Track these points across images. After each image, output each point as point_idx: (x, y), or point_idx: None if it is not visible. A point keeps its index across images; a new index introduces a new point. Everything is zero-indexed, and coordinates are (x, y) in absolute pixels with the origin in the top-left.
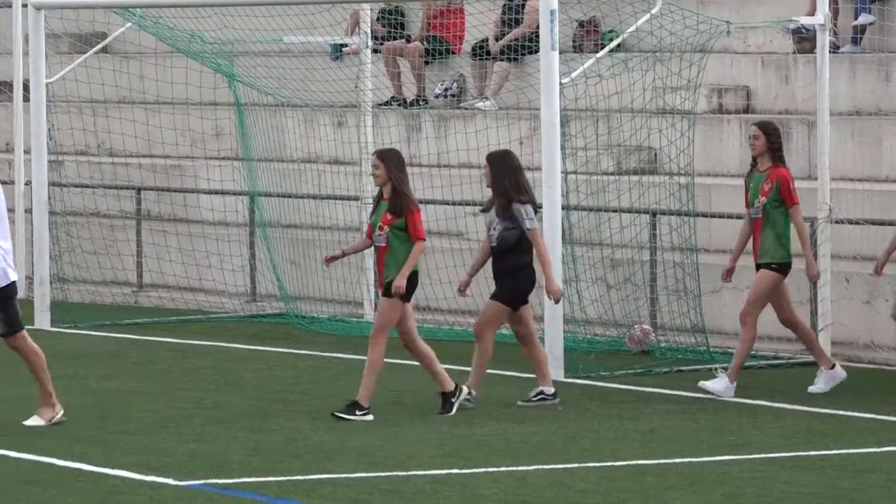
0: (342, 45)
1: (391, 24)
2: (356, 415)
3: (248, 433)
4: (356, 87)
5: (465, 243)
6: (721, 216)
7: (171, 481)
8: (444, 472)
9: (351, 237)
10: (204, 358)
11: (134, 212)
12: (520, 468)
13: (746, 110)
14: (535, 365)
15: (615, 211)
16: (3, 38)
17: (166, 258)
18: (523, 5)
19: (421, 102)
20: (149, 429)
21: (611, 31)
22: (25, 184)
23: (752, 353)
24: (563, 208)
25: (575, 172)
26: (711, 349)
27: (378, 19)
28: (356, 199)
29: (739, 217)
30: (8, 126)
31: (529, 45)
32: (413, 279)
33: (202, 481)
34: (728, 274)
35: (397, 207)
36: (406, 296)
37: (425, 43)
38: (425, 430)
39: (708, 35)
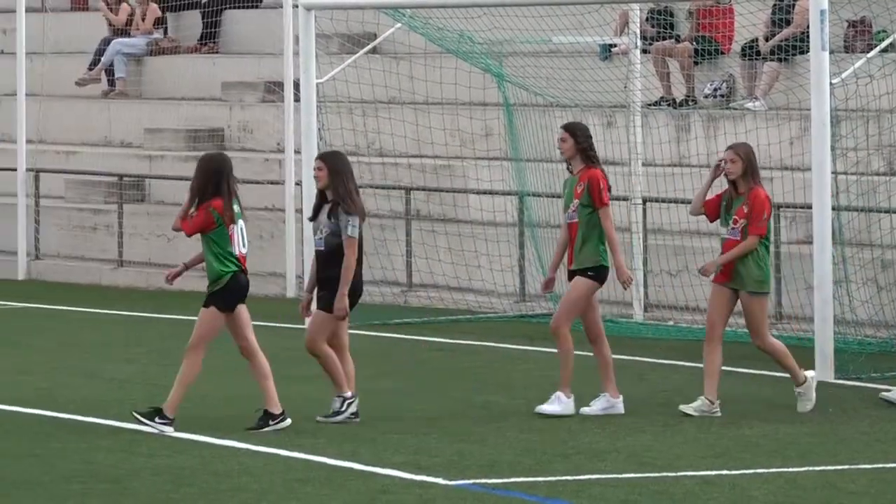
0: (611, 46)
1: (660, 25)
2: (155, 421)
3: (518, 433)
4: (625, 87)
5: None
6: None
7: (440, 481)
8: (714, 473)
9: (620, 237)
10: (473, 358)
11: (403, 212)
12: (789, 469)
13: None
14: (336, 374)
15: (886, 212)
16: (274, 39)
17: (435, 258)
18: (793, 5)
19: (690, 103)
20: (418, 428)
21: (882, 32)
22: (296, 184)
23: None
24: (832, 209)
25: (845, 173)
26: None
27: (647, 19)
28: (625, 199)
29: None
30: (279, 126)
31: (799, 46)
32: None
33: (471, 481)
34: (547, 285)
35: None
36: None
37: (695, 43)
38: (695, 430)
39: None
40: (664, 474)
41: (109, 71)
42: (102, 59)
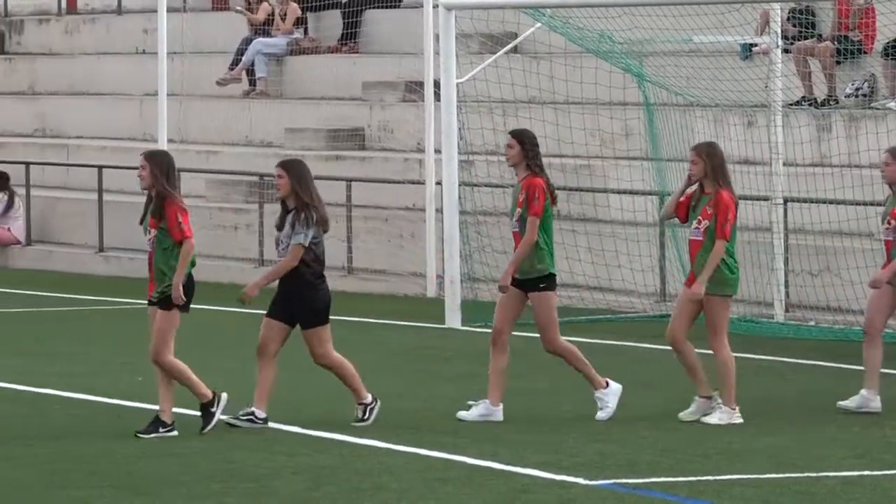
0: (752, 45)
1: (801, 24)
2: (159, 432)
3: (656, 433)
4: (766, 86)
5: (876, 244)
6: None
7: (580, 480)
8: (856, 473)
9: (761, 237)
10: (612, 358)
11: None
12: None
13: None
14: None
15: None
16: (415, 39)
17: (576, 258)
18: None
19: (831, 102)
20: (558, 428)
21: None
22: (437, 183)
23: None
24: None
25: None
26: None
27: (788, 18)
28: (766, 199)
29: None
30: (419, 126)
31: None
32: (189, 284)
33: (611, 481)
34: (503, 290)
35: (157, 210)
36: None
37: (836, 42)
38: (835, 430)
39: None
40: (805, 474)
41: (250, 71)
42: (243, 58)
